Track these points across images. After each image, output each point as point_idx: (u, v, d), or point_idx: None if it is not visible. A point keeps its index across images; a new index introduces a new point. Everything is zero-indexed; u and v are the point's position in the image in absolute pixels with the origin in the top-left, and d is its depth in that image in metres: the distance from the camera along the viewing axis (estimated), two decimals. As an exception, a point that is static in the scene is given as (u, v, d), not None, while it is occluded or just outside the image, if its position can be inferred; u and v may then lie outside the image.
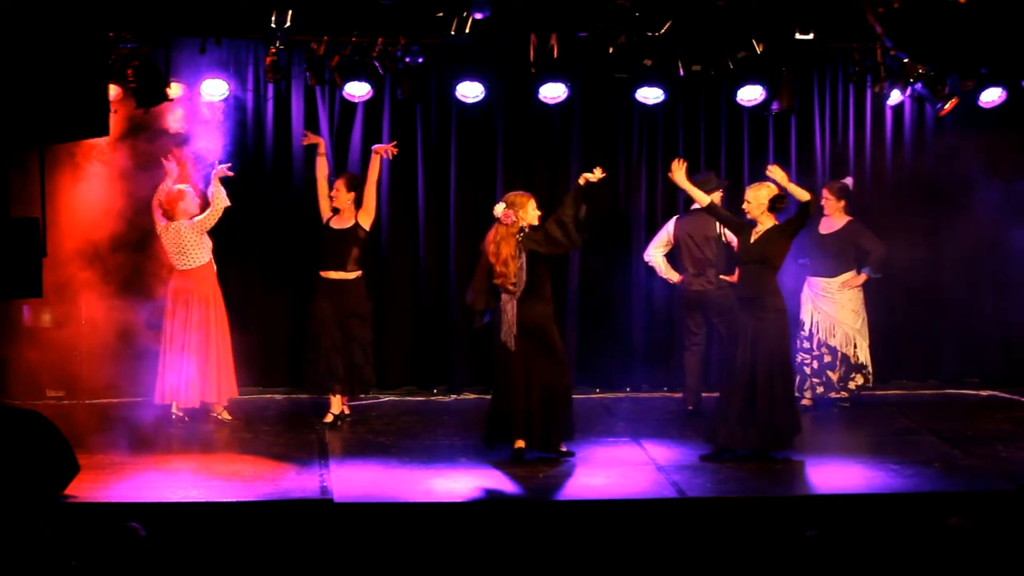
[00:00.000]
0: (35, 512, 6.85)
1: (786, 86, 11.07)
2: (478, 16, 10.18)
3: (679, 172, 9.68)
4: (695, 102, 11.83)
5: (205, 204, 10.41)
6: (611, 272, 11.89)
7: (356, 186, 10.44)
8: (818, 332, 11.14)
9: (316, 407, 10.75)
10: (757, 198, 9.40)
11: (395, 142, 10.72)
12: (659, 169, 11.90)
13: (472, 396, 11.62)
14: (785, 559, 6.53)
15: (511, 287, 9.29)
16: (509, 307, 9.32)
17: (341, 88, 10.86)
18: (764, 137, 11.77)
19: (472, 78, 11.01)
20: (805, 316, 11.18)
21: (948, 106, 11.24)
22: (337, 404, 10.53)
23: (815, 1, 10.54)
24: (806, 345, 11.13)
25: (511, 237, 9.29)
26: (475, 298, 9.46)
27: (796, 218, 9.37)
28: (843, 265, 11.11)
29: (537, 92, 11.11)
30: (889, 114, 11.96)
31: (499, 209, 9.35)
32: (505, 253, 9.26)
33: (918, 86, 11.17)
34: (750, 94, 11.29)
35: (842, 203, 11.12)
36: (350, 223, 10.42)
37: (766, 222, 9.39)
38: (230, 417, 10.53)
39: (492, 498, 8.64)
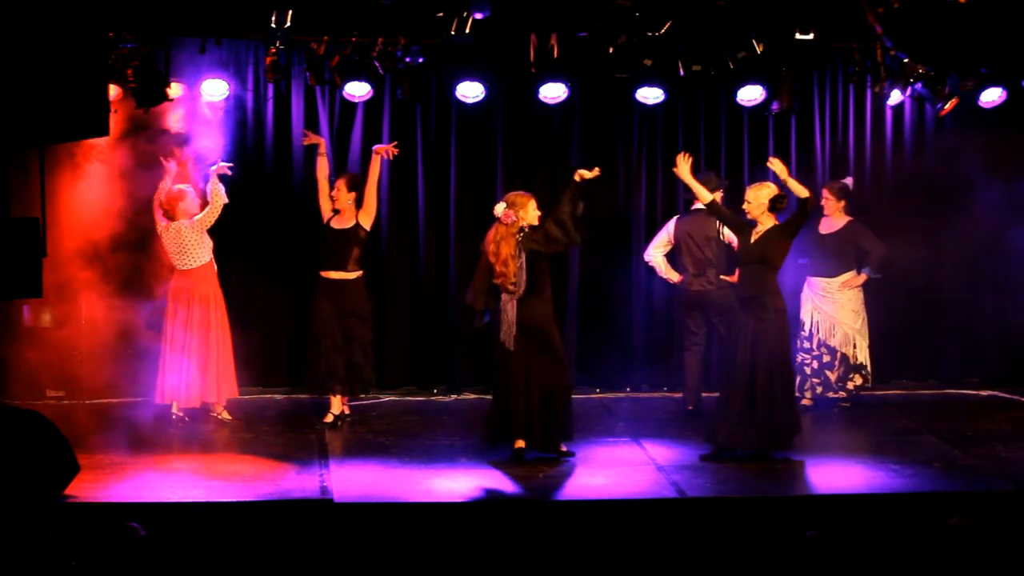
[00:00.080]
0: (35, 512, 6.85)
1: (786, 86, 11.07)
2: (478, 16, 10.19)
3: (684, 167, 9.66)
4: (695, 102, 11.83)
5: (205, 204, 10.41)
6: (611, 272, 11.90)
7: (357, 186, 10.45)
8: (818, 332, 11.14)
9: (316, 407, 10.75)
10: (757, 198, 9.40)
11: (396, 142, 10.73)
12: (659, 169, 11.91)
13: (472, 396, 11.62)
14: (785, 559, 6.53)
15: (511, 287, 9.29)
16: (509, 307, 9.32)
17: (341, 88, 10.86)
18: (764, 137, 11.77)
19: (472, 78, 11.01)
20: (805, 316, 11.19)
21: (948, 106, 11.24)
22: (337, 404, 10.53)
23: (815, 1, 10.54)
24: (806, 345, 11.13)
25: (511, 237, 9.29)
26: (475, 298, 9.47)
27: (796, 217, 9.37)
28: (843, 265, 11.11)
29: (537, 92, 11.11)
30: (889, 114, 11.96)
31: (499, 209, 9.35)
32: (505, 253, 9.26)
33: (918, 86, 11.18)
34: (750, 94, 11.29)
35: (842, 203, 11.12)
36: (351, 223, 10.42)
37: (766, 222, 9.39)
38: (230, 417, 10.53)
39: (492, 498, 8.64)
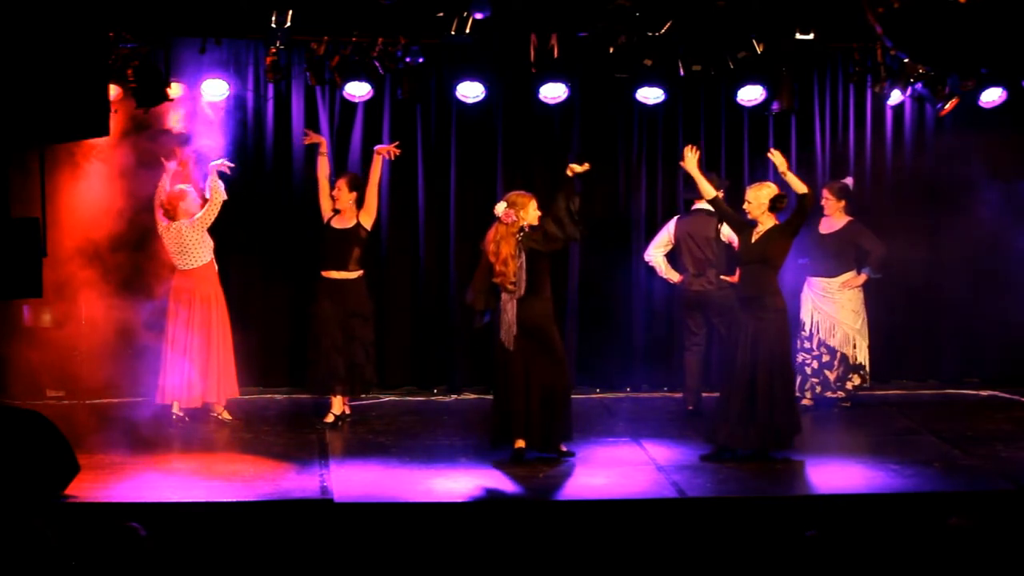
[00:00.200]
0: (35, 512, 6.85)
1: (786, 86, 11.07)
2: (478, 16, 10.19)
3: (691, 160, 9.64)
4: (695, 102, 11.83)
5: (205, 203, 10.41)
6: (611, 272, 11.89)
7: (358, 186, 10.45)
8: (818, 332, 11.14)
9: (317, 407, 10.75)
10: (758, 198, 9.40)
11: (397, 142, 10.72)
12: (659, 169, 11.91)
13: (472, 396, 11.62)
14: (785, 559, 6.53)
15: (510, 286, 9.29)
16: (509, 307, 9.33)
17: (341, 88, 10.86)
18: (764, 137, 11.76)
19: (472, 78, 11.01)
20: (805, 316, 11.19)
21: (948, 106, 11.24)
22: (338, 404, 10.53)
23: (815, 1, 10.54)
24: (807, 345, 11.13)
25: (511, 237, 9.29)
26: (475, 298, 9.47)
27: (795, 216, 9.36)
28: (843, 265, 11.11)
29: (537, 92, 11.11)
30: (889, 114, 11.96)
31: (500, 208, 9.36)
32: (505, 252, 9.26)
33: (918, 86, 11.18)
34: (750, 94, 11.29)
35: (842, 203, 11.13)
36: (351, 223, 10.43)
37: (767, 222, 9.39)
38: (230, 417, 10.53)
39: (492, 498, 8.64)
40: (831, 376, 11.11)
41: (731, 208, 9.79)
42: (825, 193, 11.15)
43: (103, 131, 7.30)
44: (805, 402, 10.97)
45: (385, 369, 11.47)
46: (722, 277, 10.66)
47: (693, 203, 11.05)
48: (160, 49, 10.26)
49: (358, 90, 10.90)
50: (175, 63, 10.50)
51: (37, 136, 7.28)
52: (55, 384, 11.09)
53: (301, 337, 11.01)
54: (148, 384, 10.53)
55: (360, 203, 10.45)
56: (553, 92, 11.10)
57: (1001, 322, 11.98)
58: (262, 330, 11.48)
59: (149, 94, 10.15)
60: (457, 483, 8.85)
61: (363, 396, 10.89)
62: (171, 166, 10.41)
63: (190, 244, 10.31)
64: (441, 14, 10.33)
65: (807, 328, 11.16)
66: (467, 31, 10.34)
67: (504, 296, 9.34)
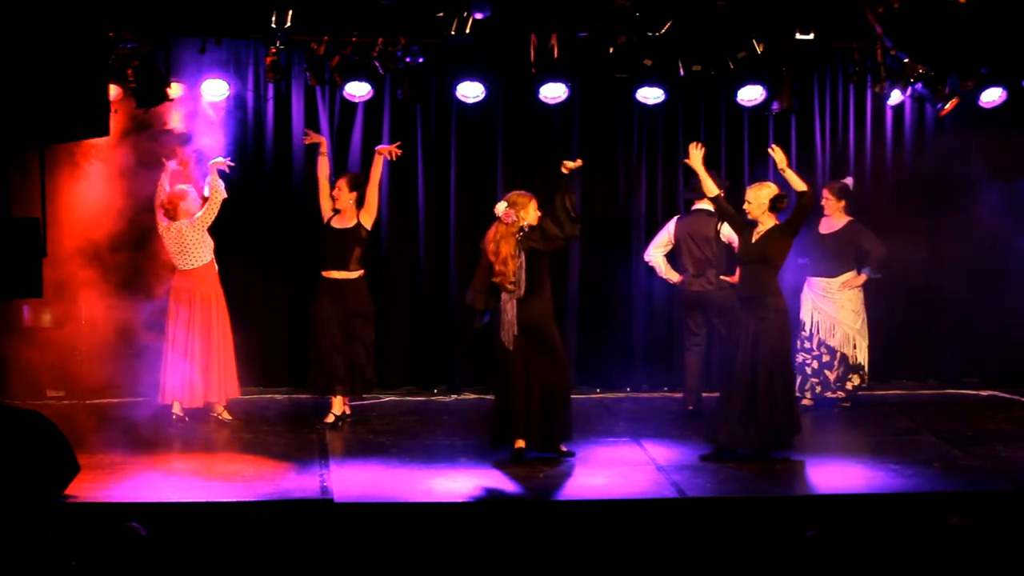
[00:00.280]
0: (35, 512, 6.84)
1: (786, 86, 11.07)
2: (478, 16, 10.19)
3: (696, 156, 9.62)
4: (695, 102, 11.83)
5: (206, 202, 10.40)
6: (611, 272, 11.90)
7: (358, 186, 10.45)
8: (818, 332, 11.14)
9: (317, 407, 10.75)
10: (758, 198, 9.40)
11: (399, 143, 10.72)
12: (659, 169, 11.91)
13: (472, 396, 11.62)
14: (785, 559, 6.53)
15: (510, 286, 9.29)
16: (509, 307, 9.33)
17: (341, 88, 10.86)
18: (764, 137, 11.75)
19: (472, 78, 11.01)
20: (805, 316, 11.19)
21: (948, 106, 11.24)
22: (339, 404, 10.53)
23: (815, 1, 10.54)
24: (807, 345, 11.13)
25: (511, 236, 9.30)
26: (475, 298, 9.47)
27: (796, 215, 9.36)
28: (843, 265, 11.12)
29: (537, 92, 11.11)
30: (889, 114, 11.96)
31: (501, 208, 9.36)
32: (505, 252, 9.26)
33: (918, 86, 11.18)
34: (750, 94, 11.29)
35: (842, 203, 11.13)
36: (352, 223, 10.43)
37: (767, 222, 9.39)
38: (230, 417, 10.53)
39: (492, 498, 8.64)
40: (831, 376, 11.11)
41: (732, 207, 9.79)
42: (825, 193, 11.15)
43: (103, 131, 7.29)
44: (805, 402, 10.96)
45: (385, 369, 11.47)
46: (722, 277, 10.66)
47: (693, 203, 11.05)
48: (160, 49, 10.25)
49: (358, 90, 10.89)
50: (175, 63, 10.50)
51: (37, 136, 7.28)
52: (55, 384, 11.09)
53: (301, 337, 11.01)
54: (148, 384, 10.53)
55: (360, 203, 10.45)
56: (553, 92, 11.10)
57: (1001, 322, 11.99)
58: (262, 330, 11.49)
59: (149, 94, 10.15)
60: (457, 483, 8.85)
61: (364, 396, 10.89)
62: (171, 165, 10.42)
63: (190, 244, 10.31)
64: (441, 14, 10.33)
65: (807, 328, 11.16)
66: (467, 31, 10.34)
67: (504, 296, 9.34)
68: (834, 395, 11.12)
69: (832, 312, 11.11)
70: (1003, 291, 11.93)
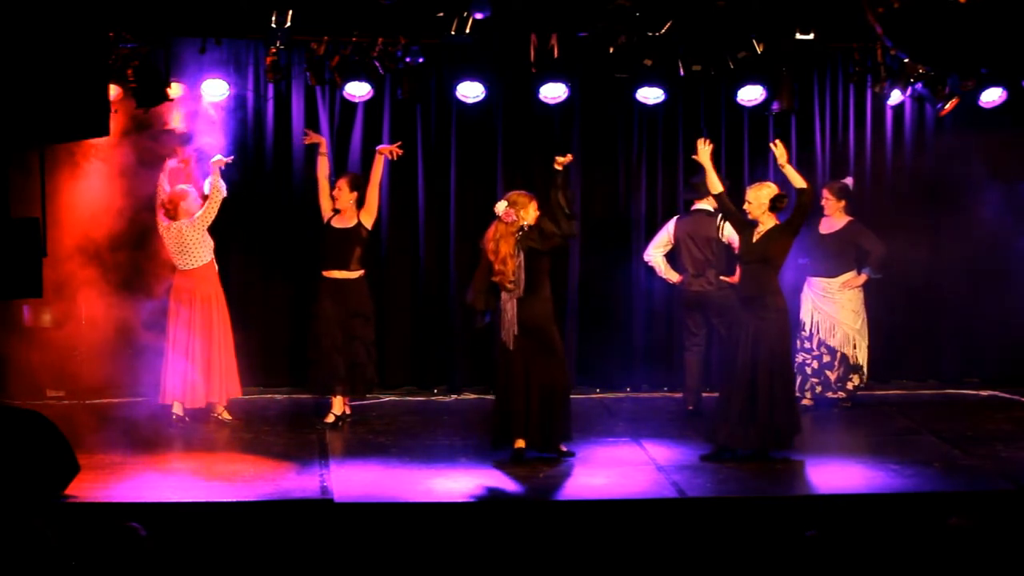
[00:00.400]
0: (35, 512, 6.84)
1: (786, 86, 11.07)
2: (478, 16, 10.19)
3: (705, 152, 9.59)
4: (695, 102, 11.82)
5: (206, 200, 10.40)
6: (611, 272, 11.90)
7: (359, 186, 10.45)
8: (818, 332, 11.14)
9: (317, 407, 10.75)
10: (758, 198, 9.40)
11: (400, 142, 10.72)
12: (659, 169, 11.91)
13: (472, 396, 11.62)
14: (785, 559, 6.53)
15: (509, 285, 9.29)
16: (509, 306, 9.33)
17: (341, 88, 10.86)
18: (764, 137, 11.74)
19: (472, 78, 11.01)
20: (805, 316, 11.19)
21: (948, 106, 11.24)
22: (339, 404, 10.53)
23: (815, 1, 10.54)
24: (807, 345, 11.13)
25: (510, 236, 9.30)
26: (475, 298, 9.47)
27: (796, 214, 9.36)
28: (843, 265, 11.12)
29: (537, 92, 11.11)
30: (889, 114, 11.96)
31: (501, 207, 9.36)
32: (504, 251, 9.27)
33: (918, 86, 11.18)
34: (750, 94, 11.29)
35: (842, 203, 11.13)
36: (352, 223, 10.43)
37: (768, 222, 9.38)
38: (230, 417, 10.53)
39: (492, 498, 8.64)
40: (832, 376, 11.11)
41: (734, 205, 9.78)
42: (825, 193, 11.15)
43: (103, 131, 7.29)
44: (805, 402, 10.96)
45: (385, 369, 11.46)
46: (721, 277, 10.66)
47: (693, 203, 11.05)
48: (160, 49, 10.25)
49: (358, 90, 10.89)
50: (175, 63, 10.50)
51: (37, 136, 7.28)
52: (55, 384, 11.08)
53: (301, 337, 11.01)
54: (148, 384, 10.53)
55: (361, 203, 10.45)
56: (553, 92, 11.10)
57: (1001, 322, 11.99)
58: (262, 330, 11.49)
59: (149, 94, 10.15)
60: (457, 483, 8.85)
61: (364, 396, 10.89)
62: (171, 163, 10.41)
63: (190, 244, 10.31)
64: (441, 14, 10.33)
65: (807, 328, 11.16)
66: (467, 31, 10.34)
67: (504, 296, 9.34)
68: (835, 395, 11.12)
69: (832, 312, 11.11)
70: (1003, 291, 11.93)
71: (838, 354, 11.11)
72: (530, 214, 9.35)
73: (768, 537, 7.82)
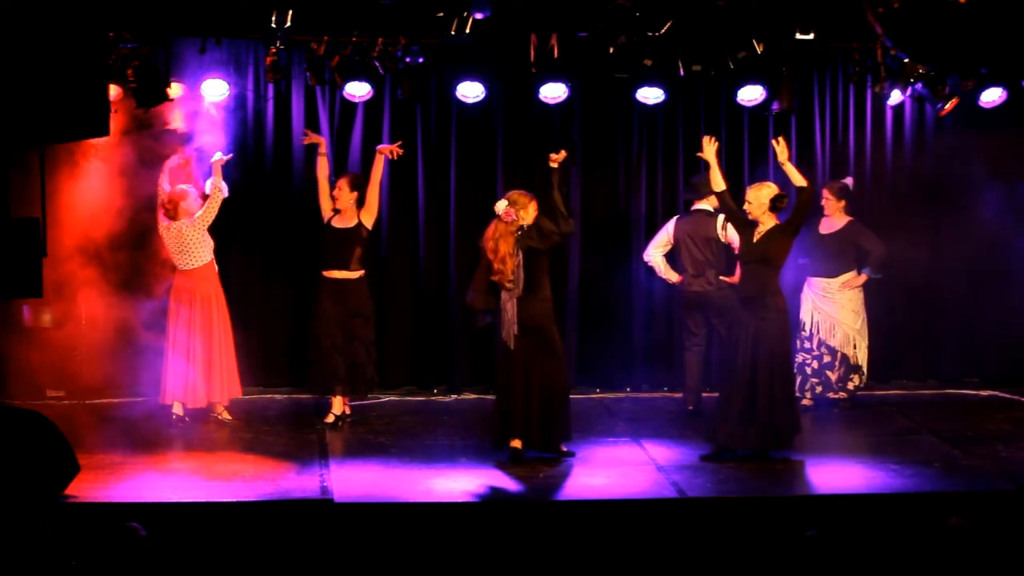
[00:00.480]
0: (35, 512, 6.85)
1: (786, 86, 11.07)
2: (478, 16, 10.19)
3: (710, 149, 9.57)
4: (695, 102, 11.83)
5: (206, 199, 10.40)
6: (611, 272, 11.90)
7: (359, 186, 10.45)
8: (818, 332, 11.14)
9: (317, 407, 10.75)
10: (758, 198, 9.40)
11: (400, 142, 10.72)
12: (659, 169, 11.91)
13: (472, 396, 11.62)
14: (785, 559, 6.53)
15: (508, 284, 9.29)
16: (509, 306, 9.33)
17: (341, 88, 10.86)
18: (764, 137, 11.75)
19: (472, 78, 11.01)
20: (805, 316, 11.19)
21: (948, 106, 11.24)
22: (339, 404, 10.53)
23: (815, 1, 10.54)
24: (807, 345, 11.13)
25: (510, 235, 9.30)
26: (475, 298, 9.47)
27: (796, 214, 9.35)
28: (843, 265, 11.12)
29: (537, 92, 11.11)
30: (889, 114, 11.96)
31: (501, 206, 9.36)
32: (503, 251, 9.27)
33: (918, 86, 11.18)
34: (750, 94, 11.29)
35: (842, 203, 11.13)
36: (353, 222, 10.43)
37: (768, 222, 9.38)
38: (230, 417, 10.53)
39: (492, 498, 8.64)
40: (833, 376, 11.11)
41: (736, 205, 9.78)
42: (825, 193, 11.15)
43: (103, 131, 7.30)
44: (805, 402, 10.96)
45: (385, 369, 11.46)
46: (721, 277, 10.66)
47: (693, 203, 11.05)
48: (160, 49, 10.26)
49: (358, 90, 10.89)
50: (175, 63, 10.50)
51: (37, 136, 7.28)
52: (55, 384, 11.09)
53: (301, 337, 11.01)
54: (148, 384, 10.53)
55: (361, 203, 10.45)
56: (553, 92, 11.09)
57: (1001, 322, 11.99)
58: (262, 330, 11.49)
59: (149, 94, 10.16)
60: (457, 483, 8.85)
61: (365, 396, 10.89)
62: (171, 162, 10.41)
63: (191, 244, 10.31)
64: (441, 14, 10.33)
65: (807, 328, 11.16)
66: (467, 31, 10.34)
67: (504, 295, 9.34)
68: (836, 395, 11.12)
69: (832, 312, 11.11)
70: (1003, 291, 11.93)
71: (838, 354, 11.11)
72: (530, 214, 9.35)
73: (768, 537, 7.82)
